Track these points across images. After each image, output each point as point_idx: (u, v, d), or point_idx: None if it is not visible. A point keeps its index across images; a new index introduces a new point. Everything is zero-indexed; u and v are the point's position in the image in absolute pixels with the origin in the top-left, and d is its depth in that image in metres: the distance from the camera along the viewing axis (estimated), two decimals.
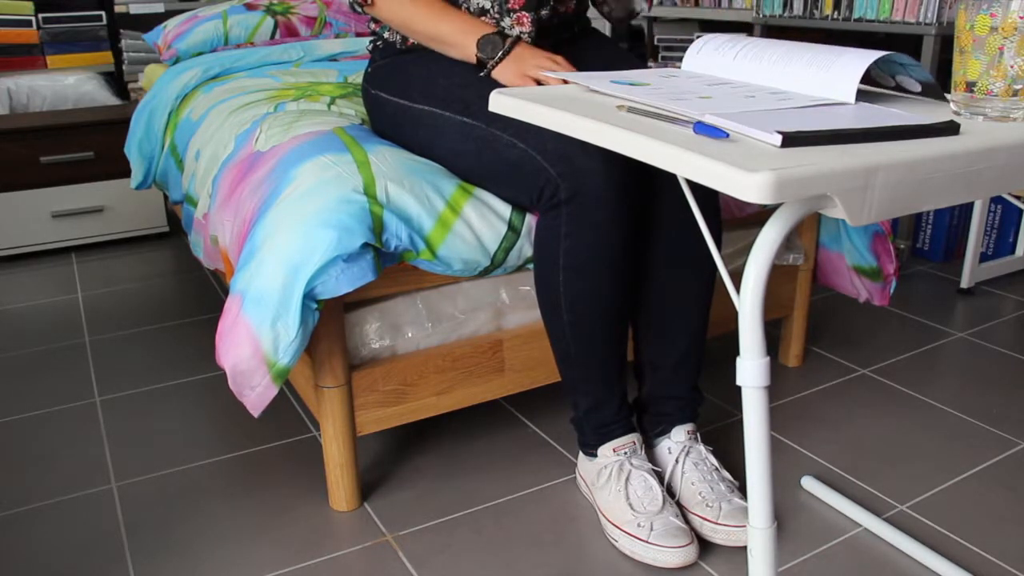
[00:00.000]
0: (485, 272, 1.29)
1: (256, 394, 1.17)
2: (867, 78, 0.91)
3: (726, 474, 1.28)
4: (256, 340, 1.13)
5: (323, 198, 1.17)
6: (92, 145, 2.52)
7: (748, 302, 0.74)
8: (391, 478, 1.40)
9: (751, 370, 0.77)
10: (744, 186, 0.66)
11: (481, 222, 1.24)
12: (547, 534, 1.26)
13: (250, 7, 2.32)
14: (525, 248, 1.28)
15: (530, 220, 1.27)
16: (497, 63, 1.21)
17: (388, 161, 1.25)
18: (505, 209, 1.26)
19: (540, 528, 1.27)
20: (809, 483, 1.35)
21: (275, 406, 1.61)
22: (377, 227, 1.16)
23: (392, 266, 1.22)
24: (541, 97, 0.96)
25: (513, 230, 1.26)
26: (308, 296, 1.13)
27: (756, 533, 0.82)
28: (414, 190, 1.21)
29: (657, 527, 1.18)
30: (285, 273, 1.13)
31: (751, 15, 2.76)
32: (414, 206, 1.20)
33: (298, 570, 1.20)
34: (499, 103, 0.98)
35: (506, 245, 1.26)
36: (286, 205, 1.19)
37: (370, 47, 1.46)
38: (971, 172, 0.75)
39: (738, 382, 0.78)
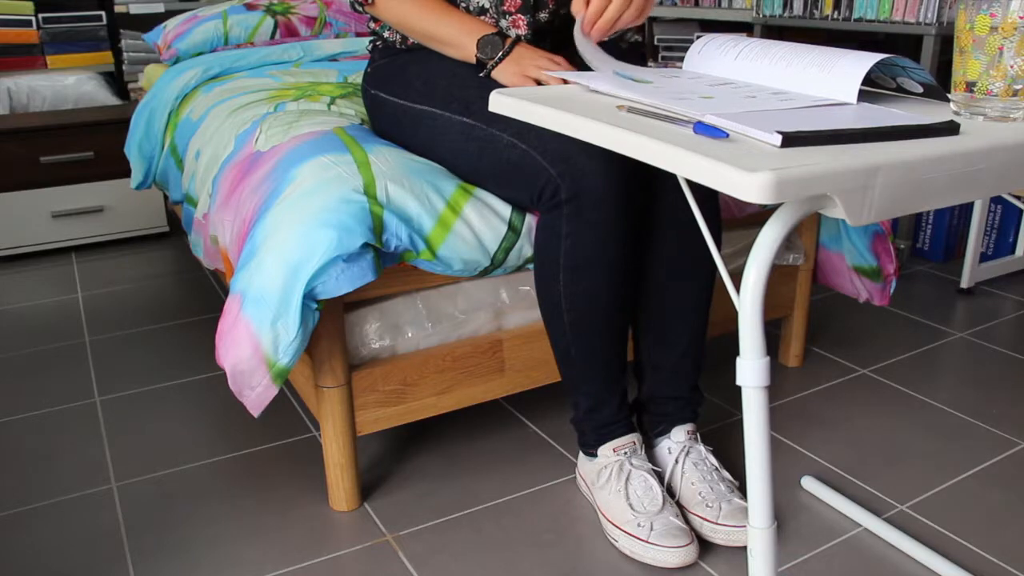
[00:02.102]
0: (485, 272, 1.29)
1: (256, 394, 1.17)
2: (867, 80, 0.91)
3: (726, 474, 1.28)
4: (256, 340, 1.13)
5: (323, 198, 1.17)
6: (92, 145, 2.52)
7: (748, 302, 0.74)
8: (391, 478, 1.40)
9: (751, 370, 0.77)
10: (744, 186, 0.66)
11: (481, 222, 1.24)
12: (547, 534, 1.26)
13: (250, 7, 2.32)
14: (525, 248, 1.28)
15: (530, 220, 1.27)
16: (497, 63, 1.21)
17: (388, 161, 1.25)
18: (505, 209, 1.26)
19: (540, 528, 1.27)
20: (809, 483, 1.35)
21: (275, 406, 1.61)
22: (377, 227, 1.16)
23: (392, 266, 1.22)
24: (541, 97, 0.96)
25: (513, 230, 1.26)
26: (308, 296, 1.13)
27: (756, 533, 0.82)
28: (414, 190, 1.21)
29: (657, 527, 1.18)
30: (285, 273, 1.13)
31: (751, 15, 2.76)
32: (414, 206, 1.20)
33: (298, 570, 1.20)
34: (499, 103, 0.98)
35: (506, 245, 1.26)
36: (286, 205, 1.19)
37: (370, 47, 1.46)
38: (971, 172, 0.75)
39: (738, 382, 0.78)
